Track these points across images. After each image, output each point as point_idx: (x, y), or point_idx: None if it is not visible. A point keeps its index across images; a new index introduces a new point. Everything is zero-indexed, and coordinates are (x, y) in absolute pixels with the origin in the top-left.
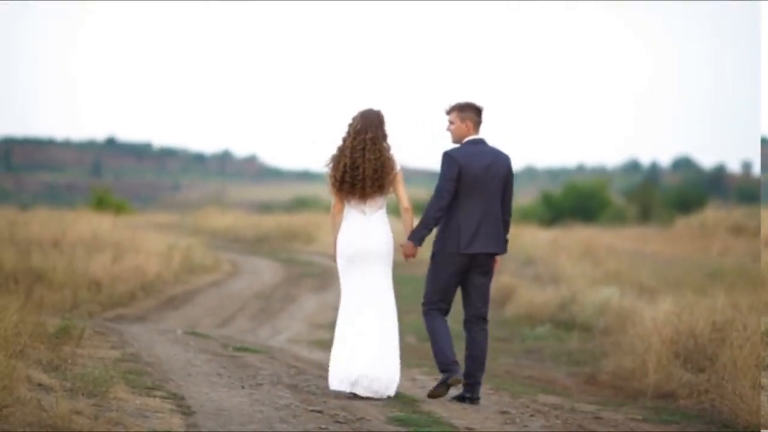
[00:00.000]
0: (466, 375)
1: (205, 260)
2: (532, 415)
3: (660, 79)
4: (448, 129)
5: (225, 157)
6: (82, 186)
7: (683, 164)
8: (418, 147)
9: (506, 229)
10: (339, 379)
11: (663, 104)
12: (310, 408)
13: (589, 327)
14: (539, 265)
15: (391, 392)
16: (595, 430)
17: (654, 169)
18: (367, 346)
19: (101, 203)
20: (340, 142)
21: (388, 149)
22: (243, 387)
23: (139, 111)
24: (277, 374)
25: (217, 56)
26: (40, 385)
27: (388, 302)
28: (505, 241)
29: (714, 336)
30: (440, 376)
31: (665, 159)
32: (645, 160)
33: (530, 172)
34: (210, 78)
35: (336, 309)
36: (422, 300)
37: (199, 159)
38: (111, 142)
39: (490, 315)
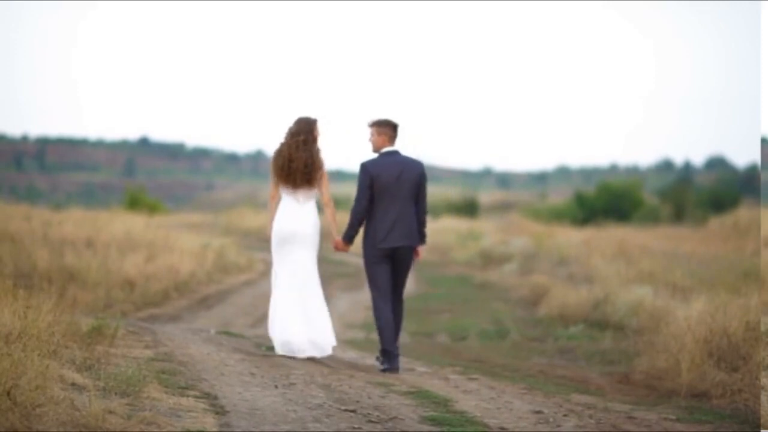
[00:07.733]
0: None
1: (238, 260)
2: (565, 415)
3: (698, 78)
4: (369, 140)
5: (258, 157)
6: (116, 186)
7: (717, 164)
8: (450, 147)
9: (423, 224)
10: (281, 342)
11: (697, 103)
12: (343, 408)
13: (622, 326)
14: (573, 265)
15: (329, 351)
16: (628, 429)
17: (687, 168)
18: (297, 317)
19: (135, 203)
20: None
21: (317, 151)
22: (276, 386)
23: (172, 111)
24: (310, 374)
25: (251, 56)
26: (73, 384)
27: (313, 278)
28: (423, 234)
29: (748, 335)
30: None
31: (699, 158)
32: (678, 159)
33: (563, 172)
34: (243, 78)
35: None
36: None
37: (232, 159)
38: (144, 142)
39: (523, 314)
